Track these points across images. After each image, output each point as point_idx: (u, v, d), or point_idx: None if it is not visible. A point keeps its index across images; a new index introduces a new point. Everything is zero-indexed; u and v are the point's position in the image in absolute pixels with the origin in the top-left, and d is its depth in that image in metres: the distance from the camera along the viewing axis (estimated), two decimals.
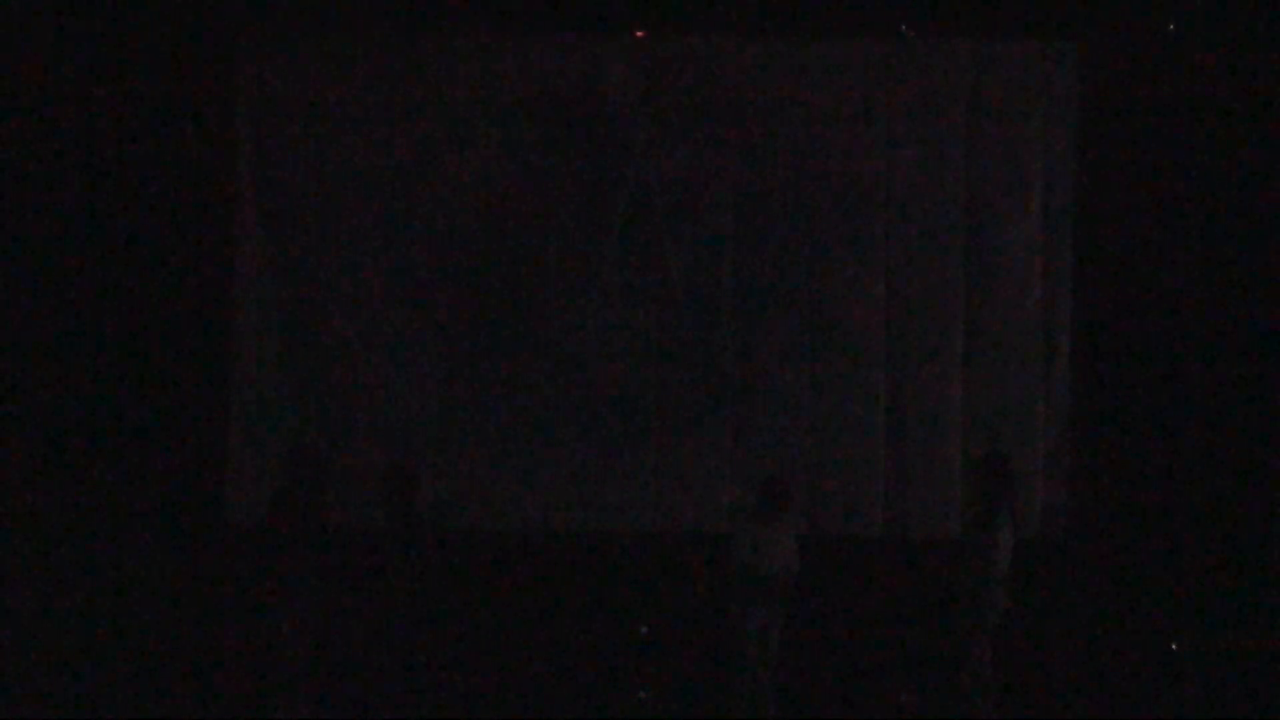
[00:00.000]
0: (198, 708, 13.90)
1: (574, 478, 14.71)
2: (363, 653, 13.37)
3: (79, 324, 14.51)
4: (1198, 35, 14.50)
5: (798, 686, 13.90)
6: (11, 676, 13.72)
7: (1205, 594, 14.29)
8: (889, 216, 14.78)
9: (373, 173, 14.76)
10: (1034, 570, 14.02)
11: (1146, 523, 14.41)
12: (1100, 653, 14.31)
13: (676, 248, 14.76)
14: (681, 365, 14.75)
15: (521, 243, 14.77)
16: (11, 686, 13.64)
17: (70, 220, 14.52)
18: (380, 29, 14.74)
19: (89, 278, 14.55)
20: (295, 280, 14.78)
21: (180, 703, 13.88)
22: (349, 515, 14.01)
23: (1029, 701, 14.01)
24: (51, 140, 14.50)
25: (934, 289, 14.75)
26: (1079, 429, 14.64)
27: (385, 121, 14.75)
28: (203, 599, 14.39)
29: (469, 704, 14.02)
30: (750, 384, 14.73)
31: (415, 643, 13.36)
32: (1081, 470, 14.61)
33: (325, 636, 13.38)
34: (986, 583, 13.12)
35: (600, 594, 14.59)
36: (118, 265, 14.58)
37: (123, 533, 14.31)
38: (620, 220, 14.77)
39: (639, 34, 14.85)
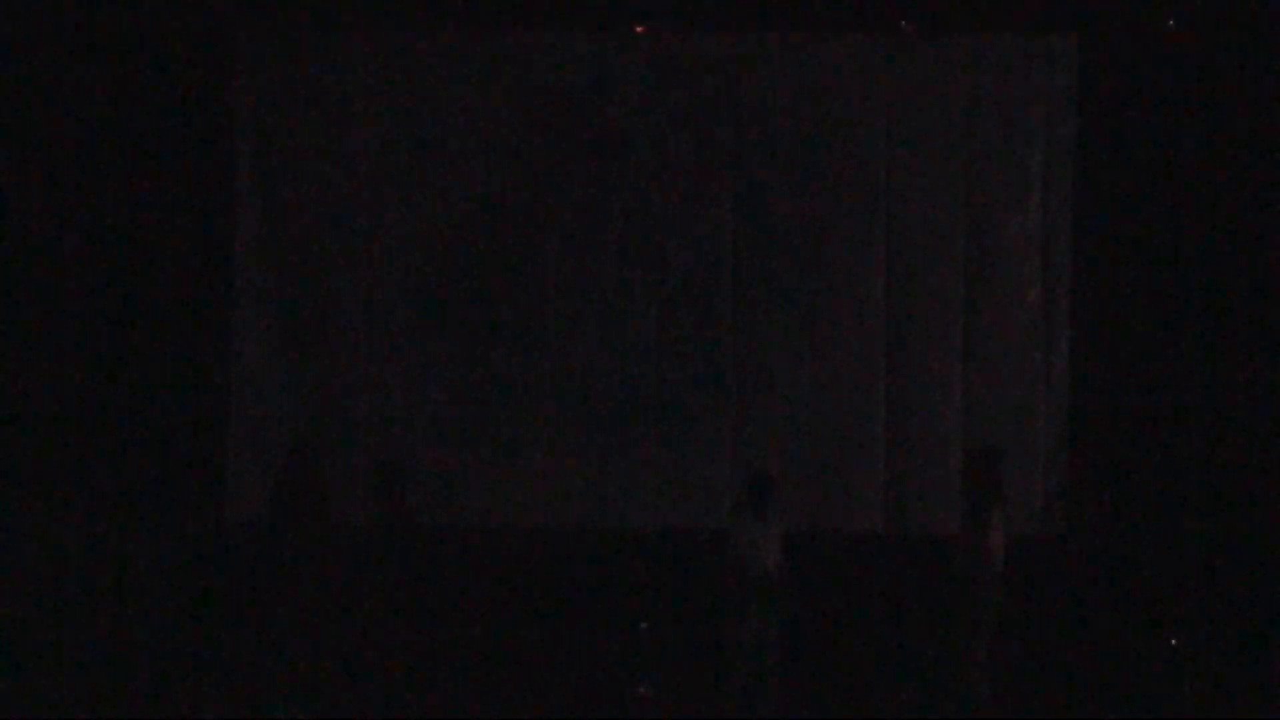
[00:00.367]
0: (198, 706, 13.90)
1: (574, 474, 14.71)
2: (361, 649, 13.39)
3: (79, 321, 14.49)
4: (1196, 29, 14.47)
5: (797, 683, 13.91)
6: (12, 676, 13.73)
7: (1204, 589, 14.30)
8: (888, 212, 14.77)
9: (373, 170, 14.74)
10: (1033, 566, 14.03)
11: (1145, 518, 14.41)
12: (1100, 648, 14.31)
13: (676, 245, 14.76)
14: (681, 363, 14.75)
15: (521, 241, 14.76)
16: (12, 686, 13.64)
17: (69, 217, 14.50)
18: (381, 27, 14.71)
19: (88, 275, 14.53)
20: (295, 278, 14.77)
21: (180, 701, 13.89)
22: (349, 513, 14.00)
23: (1028, 697, 14.02)
24: (51, 138, 14.48)
25: (933, 285, 14.74)
26: (1078, 424, 14.64)
27: (385, 119, 14.74)
28: (203, 596, 14.39)
29: (467, 700, 14.04)
30: (750, 381, 14.73)
31: (413, 639, 13.38)
32: (1080, 466, 14.61)
33: (326, 633, 13.38)
34: (979, 579, 13.12)
35: (600, 590, 14.60)
36: (117, 262, 14.56)
37: (123, 530, 14.31)
38: (620, 219, 14.76)
39: (639, 29, 14.82)
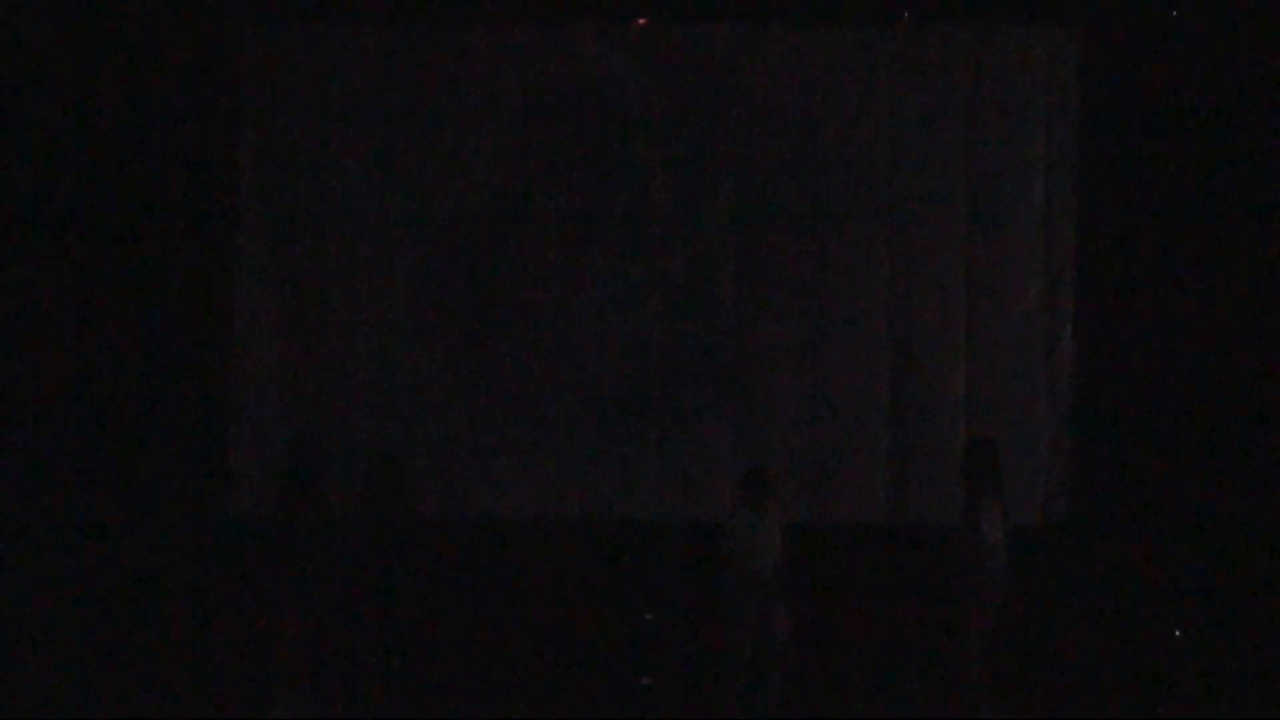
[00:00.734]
0: (198, 703, 13.91)
1: (576, 467, 14.72)
2: (363, 640, 13.40)
3: (80, 319, 14.53)
4: (1199, 21, 14.46)
5: (799, 676, 13.90)
6: (12, 674, 13.75)
7: (1207, 582, 14.28)
8: (890, 204, 14.77)
9: (373, 166, 14.76)
10: (1035, 559, 14.00)
11: (1148, 511, 14.40)
12: (1102, 641, 14.30)
13: (677, 238, 14.76)
14: (682, 355, 14.75)
15: (522, 236, 14.77)
16: (12, 685, 13.66)
17: (70, 216, 14.53)
18: (382, 23, 14.73)
19: (89, 273, 14.56)
20: (295, 273, 14.79)
21: (181, 699, 13.90)
22: (350, 506, 14.00)
23: (1030, 689, 14.01)
24: (51, 136, 14.51)
25: (936, 277, 14.74)
26: (1080, 417, 14.62)
27: (386, 116, 14.76)
28: (204, 591, 14.41)
29: (469, 692, 14.05)
30: (751, 374, 14.73)
31: (413, 631, 13.40)
32: (1083, 459, 14.60)
33: (329, 625, 13.39)
34: (977, 571, 13.09)
35: (604, 582, 14.60)
36: (118, 259, 14.59)
37: (123, 526, 14.33)
38: (620, 211, 14.77)
39: (640, 22, 14.83)
